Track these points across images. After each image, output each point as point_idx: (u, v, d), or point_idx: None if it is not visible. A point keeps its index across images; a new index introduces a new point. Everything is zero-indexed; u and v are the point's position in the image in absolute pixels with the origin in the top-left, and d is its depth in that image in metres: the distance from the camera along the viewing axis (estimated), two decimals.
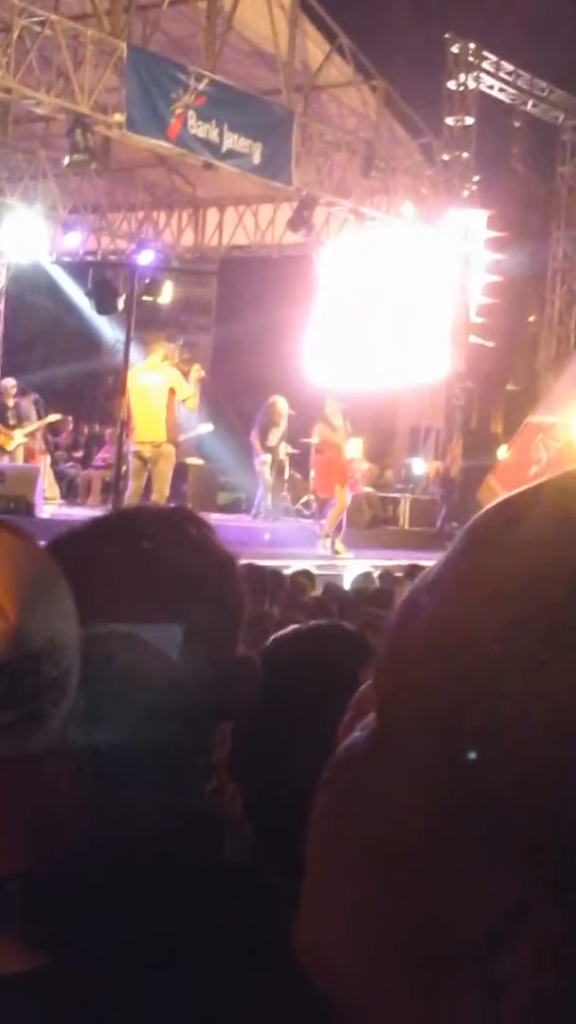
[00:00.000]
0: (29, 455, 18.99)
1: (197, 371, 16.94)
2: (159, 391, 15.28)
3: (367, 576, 11.24)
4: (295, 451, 18.78)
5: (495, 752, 0.53)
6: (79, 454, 22.39)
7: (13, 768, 1.05)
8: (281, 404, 18.18)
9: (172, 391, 15.47)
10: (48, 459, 19.84)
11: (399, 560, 12.99)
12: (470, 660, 0.55)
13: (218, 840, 1.51)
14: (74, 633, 1.11)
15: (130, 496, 14.81)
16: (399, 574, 11.23)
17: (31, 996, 0.99)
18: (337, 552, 16.12)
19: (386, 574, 11.60)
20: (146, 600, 1.43)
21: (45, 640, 1.07)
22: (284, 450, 18.46)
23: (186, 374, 16.22)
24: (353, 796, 0.60)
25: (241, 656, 1.56)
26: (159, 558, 1.49)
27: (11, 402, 18.71)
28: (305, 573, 10.53)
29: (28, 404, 19.20)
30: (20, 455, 18.57)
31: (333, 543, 16.32)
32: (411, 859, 0.56)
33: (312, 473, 18.05)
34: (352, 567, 13.27)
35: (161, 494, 15.03)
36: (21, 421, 18.66)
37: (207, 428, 18.27)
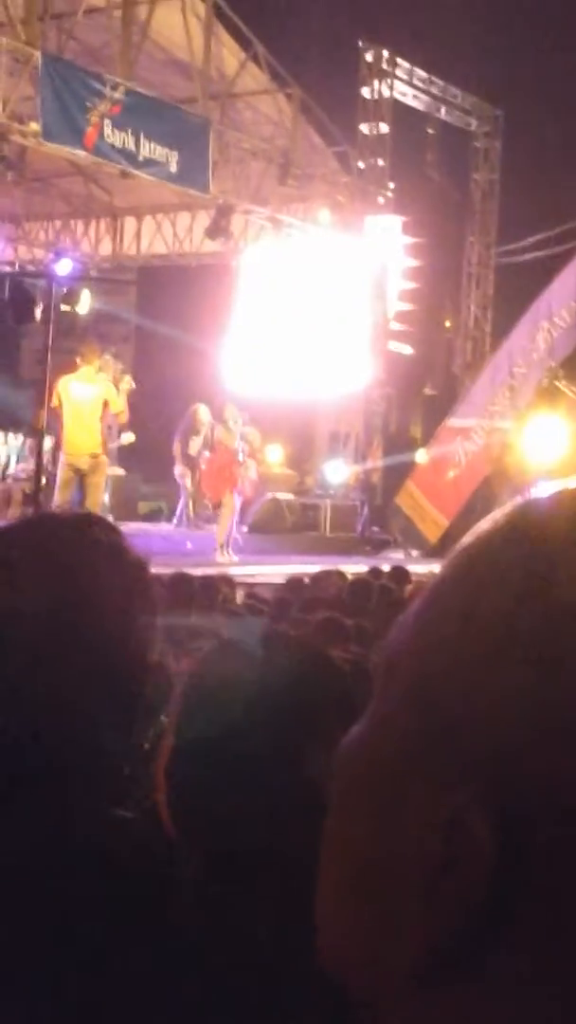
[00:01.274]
0: None
1: (128, 383, 16.85)
2: (95, 403, 15.14)
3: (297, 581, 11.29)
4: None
5: (450, 694, 0.65)
6: None
7: None
8: (203, 412, 18.21)
9: (106, 403, 15.38)
10: None
11: (320, 566, 13.01)
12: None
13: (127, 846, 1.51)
14: None
15: (59, 508, 14.65)
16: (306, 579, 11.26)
17: None
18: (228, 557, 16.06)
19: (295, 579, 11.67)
20: (55, 606, 1.44)
21: None
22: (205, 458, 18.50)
23: (117, 385, 16.13)
24: (348, 761, 0.71)
25: (153, 662, 1.57)
26: (68, 563, 1.49)
27: None
28: (225, 579, 10.57)
29: None
30: None
31: (225, 550, 16.21)
32: (377, 799, 0.68)
33: (198, 477, 18.02)
34: (267, 573, 13.30)
35: (97, 505, 14.89)
36: None
37: (129, 439, 18.20)
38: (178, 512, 18.52)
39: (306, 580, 10.51)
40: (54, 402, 14.90)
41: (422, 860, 0.64)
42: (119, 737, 1.52)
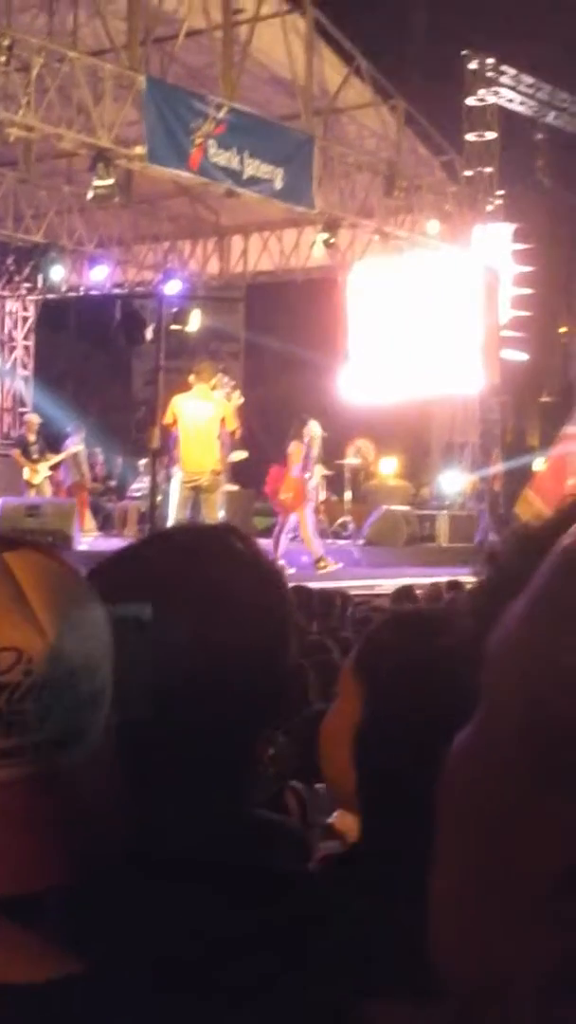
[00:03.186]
0: (78, 489, 19.27)
1: (237, 398, 16.86)
2: (212, 421, 15.15)
3: (407, 590, 11.23)
4: (330, 473, 18.77)
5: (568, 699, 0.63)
6: (113, 484, 22.52)
7: (52, 782, 1.07)
8: (314, 427, 18.21)
9: (223, 421, 15.43)
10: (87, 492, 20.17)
11: (441, 578, 12.93)
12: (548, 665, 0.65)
13: (272, 848, 1.53)
14: (108, 653, 1.13)
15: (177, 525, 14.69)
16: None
17: (58, 1003, 1.00)
18: (322, 567, 16.05)
19: (433, 589, 11.64)
20: (192, 616, 1.44)
21: (82, 658, 1.10)
22: (319, 472, 18.49)
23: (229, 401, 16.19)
24: (462, 773, 0.70)
25: (293, 665, 1.57)
26: (206, 573, 1.49)
27: (33, 437, 19.03)
28: (341, 593, 10.58)
29: (78, 439, 19.62)
30: (47, 488, 18.87)
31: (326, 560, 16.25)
32: (506, 810, 0.66)
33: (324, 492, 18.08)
34: (384, 586, 13.26)
35: (214, 521, 14.94)
36: (44, 455, 18.96)
37: (241, 455, 18.24)
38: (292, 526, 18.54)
39: (417, 591, 10.47)
40: (167, 419, 14.99)
41: (550, 871, 0.63)
42: (259, 740, 1.54)
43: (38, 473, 18.77)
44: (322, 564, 16.06)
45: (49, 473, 19.07)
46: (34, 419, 19.49)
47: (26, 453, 18.95)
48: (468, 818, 0.68)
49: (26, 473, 18.79)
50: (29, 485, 18.73)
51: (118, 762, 1.15)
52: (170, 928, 1.31)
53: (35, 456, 18.88)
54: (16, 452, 19.28)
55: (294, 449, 16.44)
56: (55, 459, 19.27)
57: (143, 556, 1.57)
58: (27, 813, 1.05)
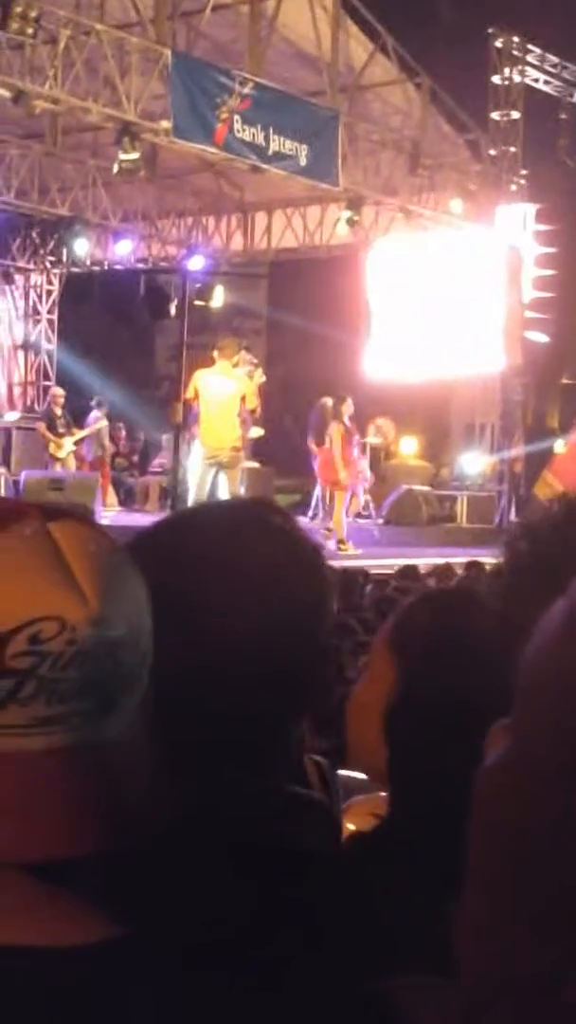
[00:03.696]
0: (99, 463, 19.33)
1: (259, 376, 16.80)
2: (233, 398, 15.05)
3: (410, 569, 11.30)
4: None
5: None
6: (135, 459, 22.57)
7: (92, 752, 1.07)
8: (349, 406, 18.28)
9: (243, 398, 15.43)
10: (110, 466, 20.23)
11: (460, 558, 12.95)
12: None
13: (301, 825, 1.52)
14: (149, 623, 1.13)
15: (197, 501, 14.68)
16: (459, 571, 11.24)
17: (101, 966, 1.01)
18: (343, 549, 16.08)
19: (446, 568, 11.67)
20: (232, 591, 1.44)
21: (125, 628, 1.09)
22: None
23: (251, 379, 16.13)
24: (495, 803, 0.72)
25: (325, 645, 1.56)
26: (245, 548, 1.48)
27: (59, 411, 19.08)
28: (361, 572, 10.59)
29: (101, 413, 19.68)
30: (72, 463, 18.92)
31: (348, 543, 16.28)
32: (543, 841, 0.67)
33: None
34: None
35: (235, 495, 14.92)
36: (70, 429, 19.03)
37: (258, 432, 18.20)
38: (314, 504, 18.57)
39: (421, 569, 10.48)
40: (189, 394, 14.98)
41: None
42: (295, 718, 1.54)
43: (63, 447, 18.85)
44: (344, 547, 16.08)
45: (74, 448, 19.14)
46: (59, 392, 19.56)
47: (52, 427, 19.04)
48: (503, 832, 0.70)
49: (52, 447, 18.88)
50: (54, 459, 18.83)
51: (153, 738, 1.15)
52: (198, 906, 1.32)
53: (61, 430, 18.96)
54: (42, 426, 19.37)
55: (335, 430, 16.46)
56: (80, 434, 19.32)
57: (180, 530, 1.56)
58: (67, 781, 1.06)
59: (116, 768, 1.10)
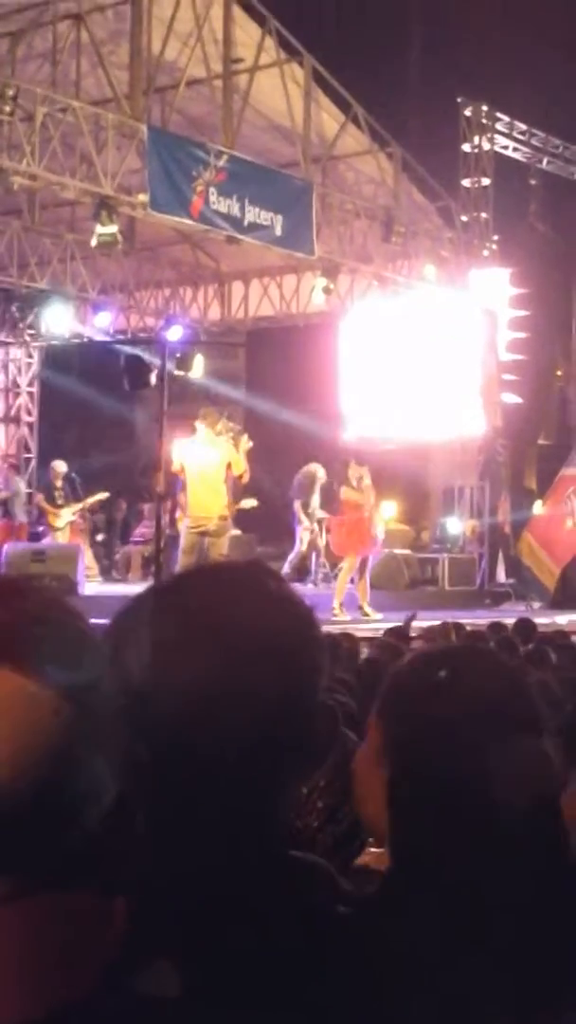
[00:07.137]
0: (73, 533, 19.46)
1: (246, 442, 16.73)
2: (219, 466, 15.16)
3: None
4: (328, 515, 18.86)
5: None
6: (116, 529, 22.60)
7: (43, 903, 1.09)
8: (320, 471, 18.37)
9: (229, 465, 15.48)
10: (89, 537, 20.30)
11: (441, 620, 12.94)
12: None
13: (301, 889, 1.52)
14: (77, 771, 1.14)
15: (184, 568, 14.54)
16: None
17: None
18: (366, 615, 16.07)
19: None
20: (225, 654, 1.44)
21: (37, 789, 1.10)
22: (317, 516, 18.66)
23: (236, 446, 16.10)
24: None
25: (322, 704, 1.56)
26: (238, 611, 1.48)
27: (59, 483, 19.34)
28: (347, 636, 10.58)
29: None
30: (68, 533, 19.17)
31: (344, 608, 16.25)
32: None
33: (325, 537, 18.14)
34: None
35: None
36: (68, 501, 19.24)
37: (251, 503, 18.15)
38: (313, 570, 18.69)
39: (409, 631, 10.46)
40: (175, 467, 15.01)
41: None
42: (293, 782, 1.54)
43: (60, 518, 19.25)
44: (337, 613, 16.09)
45: (72, 518, 19.37)
46: (60, 465, 19.80)
47: (50, 498, 19.38)
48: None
49: (50, 518, 19.34)
50: (52, 529, 19.20)
51: (146, 805, 1.16)
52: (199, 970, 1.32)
53: (60, 502, 19.33)
54: (40, 497, 19.87)
55: (348, 494, 16.39)
56: (79, 505, 19.53)
57: (174, 593, 1.55)
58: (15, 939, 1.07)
59: (74, 916, 1.12)
